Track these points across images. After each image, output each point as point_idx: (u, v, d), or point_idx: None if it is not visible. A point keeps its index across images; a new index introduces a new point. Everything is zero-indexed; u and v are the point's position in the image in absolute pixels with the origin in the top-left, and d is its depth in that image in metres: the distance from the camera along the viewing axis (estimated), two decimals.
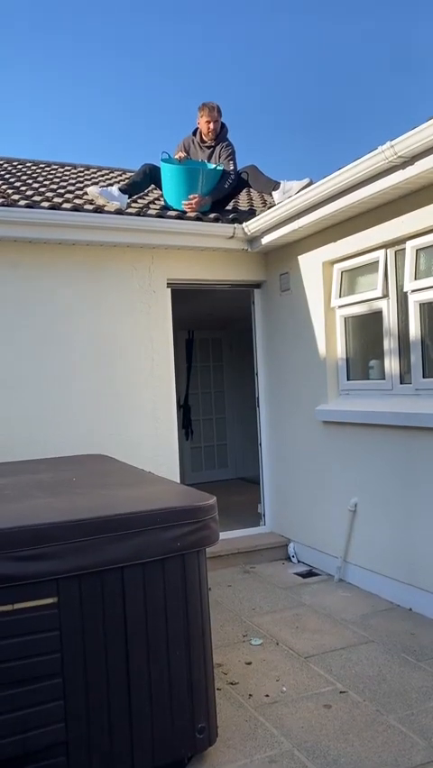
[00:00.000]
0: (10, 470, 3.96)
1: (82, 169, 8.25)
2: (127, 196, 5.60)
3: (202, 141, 5.98)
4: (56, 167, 8.17)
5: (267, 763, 2.71)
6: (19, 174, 6.95)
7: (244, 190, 6.61)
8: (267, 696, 3.27)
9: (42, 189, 5.89)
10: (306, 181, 5.37)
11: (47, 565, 2.39)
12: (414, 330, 4.35)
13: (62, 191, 5.90)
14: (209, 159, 5.93)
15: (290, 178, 5.59)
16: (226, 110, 6.00)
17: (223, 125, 5.99)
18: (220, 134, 5.94)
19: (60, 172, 7.63)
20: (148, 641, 2.56)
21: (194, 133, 6.04)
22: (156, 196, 6.41)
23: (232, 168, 5.77)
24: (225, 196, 5.84)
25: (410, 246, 4.32)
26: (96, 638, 2.47)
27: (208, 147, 5.94)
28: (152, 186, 6.07)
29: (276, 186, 5.62)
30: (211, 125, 5.86)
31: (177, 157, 5.86)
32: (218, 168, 5.74)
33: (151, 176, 5.83)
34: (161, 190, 5.92)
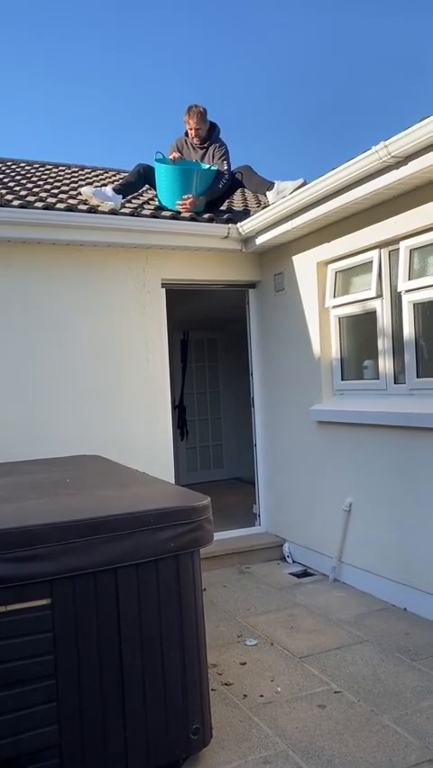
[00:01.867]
0: (4, 471, 3.95)
1: (76, 169, 8.24)
2: (121, 196, 5.59)
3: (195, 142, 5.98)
4: (50, 167, 8.16)
5: (261, 763, 2.71)
6: (13, 174, 6.93)
7: (239, 190, 6.62)
8: (262, 696, 3.27)
9: (36, 189, 5.88)
10: (300, 181, 5.37)
11: (40, 566, 2.38)
12: (408, 330, 4.35)
13: (56, 191, 5.89)
14: (202, 159, 5.93)
15: (286, 178, 5.60)
16: (227, 110, 6.06)
17: (215, 125, 5.98)
18: (213, 135, 5.93)
19: (54, 172, 7.62)
20: (142, 642, 2.56)
21: (186, 134, 6.04)
22: (150, 196, 6.41)
23: (226, 168, 5.77)
24: (219, 196, 5.84)
25: (404, 246, 4.32)
26: (89, 640, 2.46)
27: (201, 147, 5.95)
28: (146, 186, 6.06)
29: (270, 186, 5.62)
30: (193, 132, 5.89)
31: (171, 157, 5.85)
32: (212, 168, 5.74)
33: (145, 176, 5.82)
34: (155, 190, 5.91)
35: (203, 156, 5.92)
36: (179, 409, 9.09)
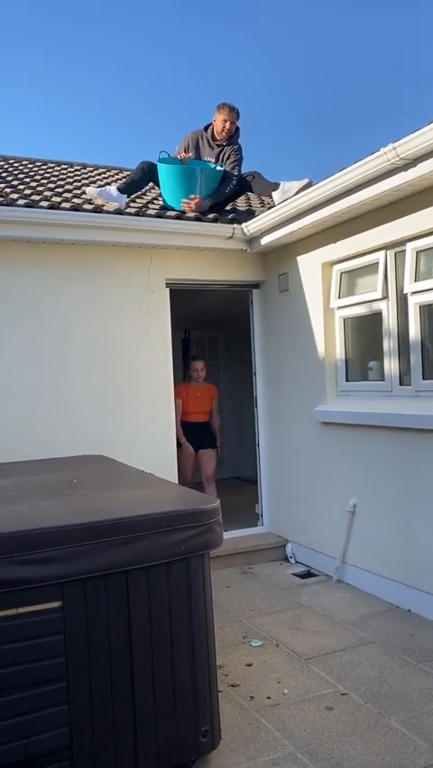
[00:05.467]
0: (9, 471, 3.94)
1: (79, 168, 8.22)
2: (126, 195, 5.57)
3: (213, 138, 5.90)
4: (52, 165, 8.14)
5: (270, 766, 2.71)
6: (16, 173, 6.91)
7: None
8: (269, 698, 3.27)
9: (40, 188, 5.86)
10: (305, 181, 5.37)
11: (51, 569, 2.37)
12: (414, 331, 4.35)
13: (60, 190, 5.87)
14: (217, 158, 5.86)
15: (287, 176, 5.61)
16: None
17: (237, 128, 5.93)
18: (233, 136, 5.87)
19: (57, 171, 7.60)
20: (152, 645, 2.56)
21: (205, 129, 5.94)
22: (155, 195, 6.39)
23: (235, 173, 5.73)
24: (224, 199, 5.83)
25: (411, 248, 4.32)
26: (100, 642, 2.46)
27: (218, 146, 5.87)
28: (151, 184, 6.03)
29: (275, 186, 5.61)
30: (227, 125, 5.77)
31: (179, 156, 5.78)
32: (219, 168, 5.70)
33: (149, 174, 5.79)
34: (159, 188, 5.89)
35: (218, 154, 5.85)
36: None
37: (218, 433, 6.63)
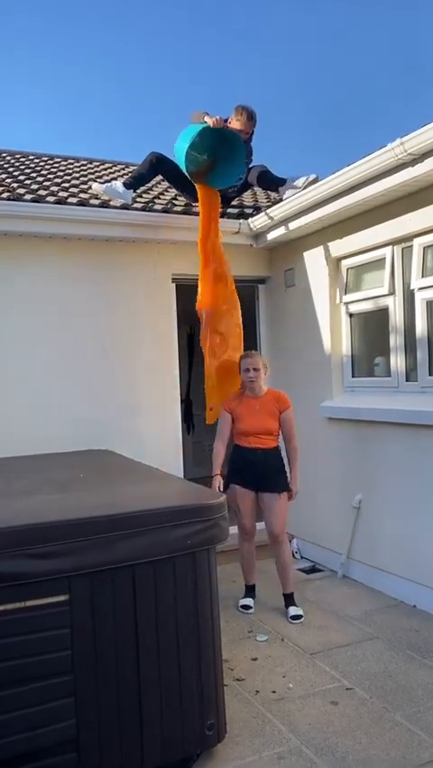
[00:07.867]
0: (15, 466, 3.96)
1: (85, 163, 8.22)
2: (132, 191, 5.54)
3: None
4: (59, 160, 8.14)
5: (275, 759, 2.72)
6: (22, 167, 6.92)
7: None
8: (274, 692, 3.28)
9: (47, 183, 5.85)
10: (312, 177, 5.33)
11: (58, 563, 2.39)
12: (421, 327, 4.34)
13: (66, 185, 5.86)
14: None
15: (293, 172, 5.56)
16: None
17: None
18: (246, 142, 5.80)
19: (64, 166, 7.60)
20: (158, 638, 2.57)
21: None
22: (162, 189, 6.38)
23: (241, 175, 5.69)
24: (228, 200, 5.80)
25: (418, 244, 4.31)
26: (106, 636, 2.48)
27: None
28: (159, 178, 6.00)
29: (282, 182, 5.59)
30: (241, 135, 5.72)
31: (207, 119, 5.24)
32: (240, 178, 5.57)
33: (157, 167, 5.75)
34: (166, 182, 5.85)
35: None
36: (186, 403, 9.09)
37: (294, 465, 4.55)
